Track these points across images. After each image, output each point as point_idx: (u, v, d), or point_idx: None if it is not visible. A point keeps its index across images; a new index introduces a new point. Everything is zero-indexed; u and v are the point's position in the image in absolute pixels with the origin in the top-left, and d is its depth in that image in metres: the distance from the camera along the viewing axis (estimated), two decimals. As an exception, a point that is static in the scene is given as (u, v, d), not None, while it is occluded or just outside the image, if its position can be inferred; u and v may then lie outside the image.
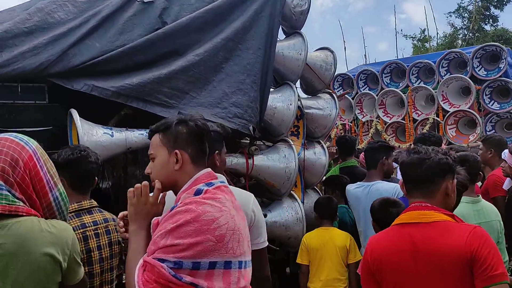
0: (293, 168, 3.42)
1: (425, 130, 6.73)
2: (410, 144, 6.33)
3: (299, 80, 4.40)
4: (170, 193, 1.64)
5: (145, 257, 1.39)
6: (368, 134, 8.14)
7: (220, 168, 1.90)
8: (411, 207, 1.74)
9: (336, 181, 4.28)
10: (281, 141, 3.65)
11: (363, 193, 3.19)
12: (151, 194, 1.59)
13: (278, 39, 3.63)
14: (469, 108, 6.97)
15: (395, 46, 41.85)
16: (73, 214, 2.15)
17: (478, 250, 1.54)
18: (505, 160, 3.46)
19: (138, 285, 1.34)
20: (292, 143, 3.53)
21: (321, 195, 4.20)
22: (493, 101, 7.06)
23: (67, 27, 2.88)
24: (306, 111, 4.02)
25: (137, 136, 2.96)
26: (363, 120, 8.42)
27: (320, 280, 3.24)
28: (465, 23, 21.32)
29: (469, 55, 7.18)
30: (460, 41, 20.64)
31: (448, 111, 7.15)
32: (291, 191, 3.57)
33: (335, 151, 5.38)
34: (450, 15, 21.85)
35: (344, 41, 12.40)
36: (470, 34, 20.01)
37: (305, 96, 4.40)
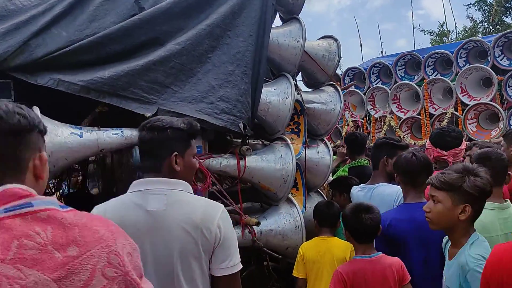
0: (290, 169, 3.09)
1: (443, 125, 6.31)
2: (426, 141, 5.92)
3: (300, 73, 4.09)
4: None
5: None
6: (381, 131, 7.74)
7: (184, 174, 1.59)
8: None
9: (344, 182, 3.91)
10: (278, 140, 3.32)
11: (365, 197, 2.84)
12: None
13: (273, 25, 3.30)
14: (490, 100, 6.54)
15: (412, 42, 40.98)
16: None
17: None
18: None
19: None
20: (289, 142, 3.20)
21: (325, 199, 3.86)
22: (517, 93, 6.62)
23: (29, 14, 2.60)
24: (307, 106, 3.69)
25: (110, 136, 2.66)
26: (376, 116, 8.04)
27: (317, 295, 2.91)
28: (485, 16, 20.64)
29: (490, 44, 6.74)
30: (480, 35, 19.98)
31: (468, 105, 6.73)
32: (289, 196, 3.24)
33: (345, 151, 5.02)
34: (470, 7, 21.20)
35: (360, 38, 11.88)
36: (491, 27, 19.35)
37: (307, 89, 4.07)
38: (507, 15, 20.05)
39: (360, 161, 4.34)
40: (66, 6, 2.67)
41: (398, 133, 7.49)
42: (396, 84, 7.67)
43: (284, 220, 3.14)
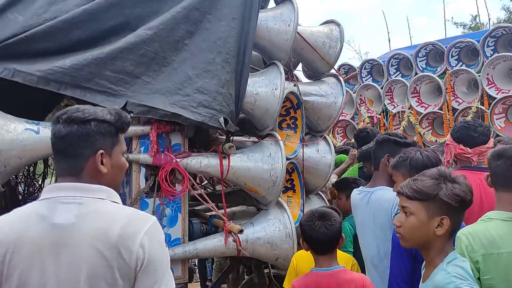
0: (279, 169, 2.80)
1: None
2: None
3: (301, 64, 3.78)
4: None
5: None
6: (400, 127, 7.31)
7: (112, 177, 1.32)
8: None
9: (351, 184, 3.56)
10: (268, 136, 3.03)
11: (362, 201, 2.50)
12: None
13: (262, 8, 3.01)
14: (521, 93, 6.02)
15: (444, 36, 39.59)
16: None
17: None
18: None
19: None
20: (279, 139, 2.90)
21: (326, 203, 3.54)
22: (551, 85, 6.08)
23: (-19, -3, 2.40)
24: (305, 98, 3.38)
25: (72, 132, 2.43)
26: (394, 111, 7.59)
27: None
28: (521, 6, 19.61)
29: (521, 30, 6.22)
30: (516, 26, 18.98)
31: (495, 98, 6.22)
32: (280, 199, 2.95)
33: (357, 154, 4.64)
34: (505, -3, 20.19)
35: (388, 32, 11.40)
36: (527, 18, 18.41)
37: (307, 81, 3.75)
38: (545, 5, 18.98)
39: (370, 161, 3.98)
40: (22, -12, 2.45)
41: (418, 130, 7.04)
42: (416, 77, 7.20)
43: (273, 227, 2.85)
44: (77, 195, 1.24)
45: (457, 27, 21.22)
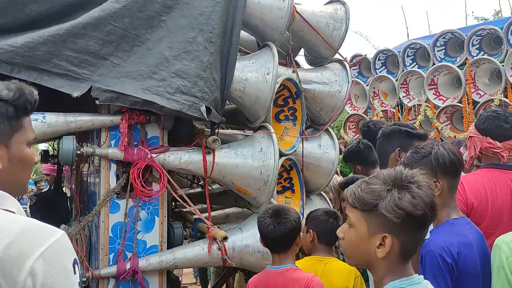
0: (271, 167, 2.45)
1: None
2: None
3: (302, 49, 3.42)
4: None
5: None
6: (416, 122, 6.88)
7: (11, 175, 0.99)
8: None
9: (358, 183, 3.20)
10: (261, 129, 2.68)
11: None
12: None
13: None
14: (549, 84, 5.57)
15: (465, 30, 38.73)
16: None
17: None
18: None
19: None
20: (272, 131, 2.54)
21: (329, 204, 3.18)
22: None
23: None
24: (305, 87, 3.02)
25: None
26: (409, 105, 7.17)
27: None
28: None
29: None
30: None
31: (521, 89, 5.77)
32: (272, 200, 2.60)
33: None
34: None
35: (407, 27, 10.92)
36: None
37: (309, 68, 3.39)
38: None
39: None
40: (-32, -46, 2.14)
41: (436, 125, 6.63)
42: (433, 67, 6.76)
43: (265, 233, 2.49)
44: None
45: (478, 21, 20.54)
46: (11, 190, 0.99)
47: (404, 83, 7.29)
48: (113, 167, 2.37)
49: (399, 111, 7.39)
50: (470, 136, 2.10)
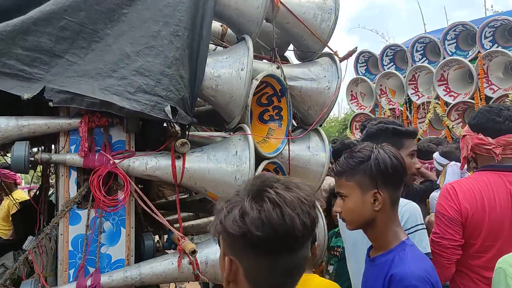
0: (246, 172, 2.25)
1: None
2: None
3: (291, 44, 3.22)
4: None
5: None
6: (425, 120, 6.60)
7: None
8: None
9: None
10: (238, 131, 2.49)
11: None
12: None
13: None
14: None
15: (484, 26, 37.91)
16: None
17: None
18: None
19: None
20: (248, 133, 2.35)
21: (320, 211, 2.96)
22: None
23: None
24: (291, 83, 2.82)
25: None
26: (418, 102, 6.90)
27: None
28: None
29: None
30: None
31: (537, 84, 5.46)
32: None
33: None
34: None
35: (424, 24, 10.65)
36: None
37: (296, 63, 3.19)
38: None
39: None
40: None
41: (446, 123, 6.34)
42: (443, 61, 6.47)
43: (241, 245, 2.30)
44: None
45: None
46: None
47: (413, 79, 7.02)
48: (74, 174, 2.21)
49: (407, 109, 7.12)
50: (463, 136, 1.88)
